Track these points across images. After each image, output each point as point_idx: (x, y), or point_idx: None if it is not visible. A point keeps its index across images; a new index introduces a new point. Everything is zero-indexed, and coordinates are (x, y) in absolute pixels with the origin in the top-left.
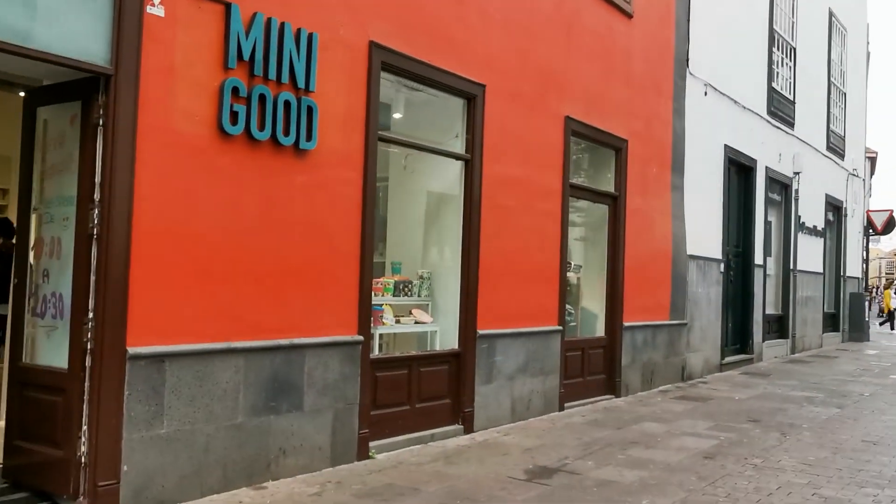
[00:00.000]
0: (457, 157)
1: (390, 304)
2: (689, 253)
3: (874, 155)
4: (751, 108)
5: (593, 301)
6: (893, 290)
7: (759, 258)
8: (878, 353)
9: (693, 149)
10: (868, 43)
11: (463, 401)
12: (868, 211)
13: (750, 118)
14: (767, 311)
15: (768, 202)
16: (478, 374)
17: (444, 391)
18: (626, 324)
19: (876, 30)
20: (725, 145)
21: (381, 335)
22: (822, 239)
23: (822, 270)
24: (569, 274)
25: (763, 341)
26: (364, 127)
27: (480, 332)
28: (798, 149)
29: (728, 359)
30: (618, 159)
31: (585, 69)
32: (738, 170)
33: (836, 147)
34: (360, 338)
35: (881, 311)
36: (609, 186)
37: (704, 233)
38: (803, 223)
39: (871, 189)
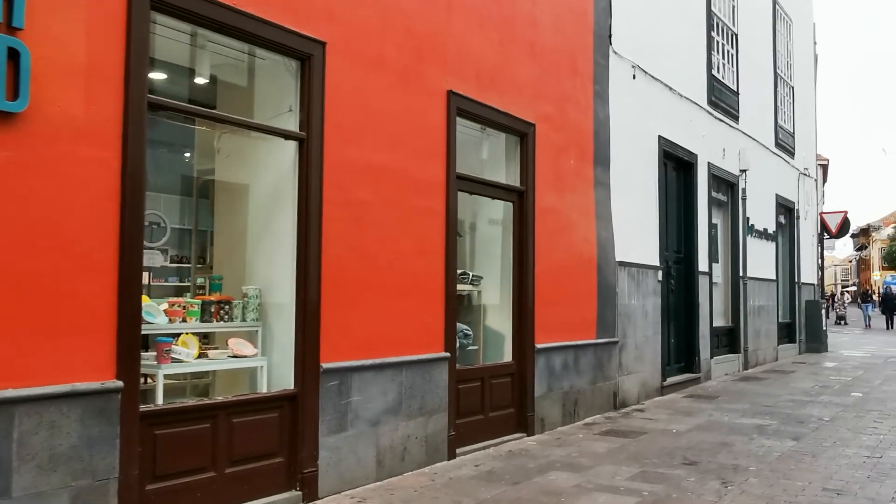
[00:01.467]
0: (287, 135)
1: (194, 333)
2: (618, 259)
3: (826, 162)
4: (689, 97)
5: (500, 319)
6: None
7: (703, 265)
8: (837, 365)
9: (621, 139)
10: (815, 43)
11: (301, 459)
12: (822, 213)
13: (688, 108)
14: (715, 324)
15: (713, 202)
16: (323, 420)
17: (271, 447)
18: (539, 345)
19: (823, 42)
20: (660, 137)
21: (166, 376)
22: (774, 243)
23: (774, 277)
24: (464, 287)
25: (711, 357)
26: (123, 87)
27: (327, 365)
28: (744, 144)
29: (670, 380)
30: (523, 147)
31: (476, 36)
32: (677, 165)
33: (785, 144)
34: (119, 383)
35: (839, 318)
36: (513, 179)
37: (638, 236)
38: (752, 226)
39: (824, 196)
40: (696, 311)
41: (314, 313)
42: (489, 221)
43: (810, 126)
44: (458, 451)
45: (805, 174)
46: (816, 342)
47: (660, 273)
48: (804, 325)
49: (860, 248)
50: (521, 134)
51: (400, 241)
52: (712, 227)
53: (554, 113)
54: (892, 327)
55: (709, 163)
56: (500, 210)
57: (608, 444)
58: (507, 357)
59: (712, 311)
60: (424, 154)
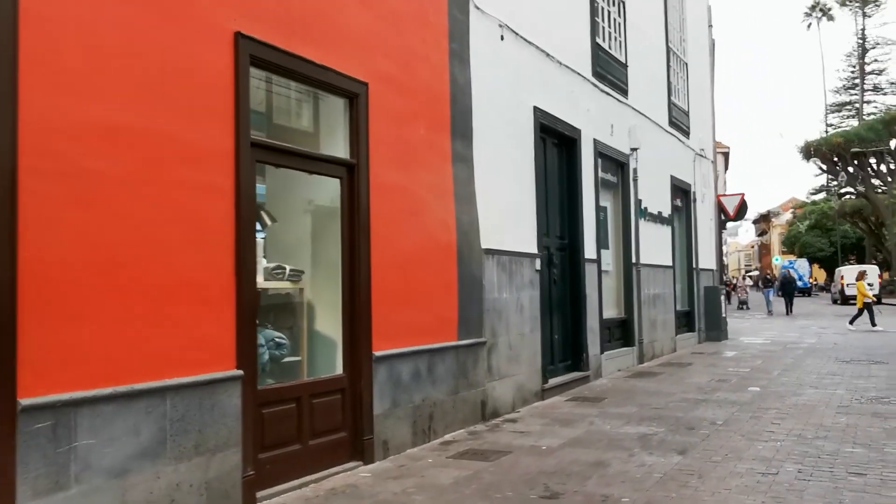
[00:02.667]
0: None
1: None
2: (485, 247)
3: (727, 150)
4: (570, 66)
5: (331, 322)
6: (867, 282)
7: (591, 251)
8: (736, 354)
9: (487, 109)
10: (711, 26)
11: None
12: (719, 196)
13: (570, 78)
14: (606, 315)
15: (601, 183)
16: (24, 479)
17: None
18: (379, 353)
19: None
20: (536, 109)
21: None
22: (670, 227)
23: (671, 263)
24: (279, 284)
25: (602, 352)
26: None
27: (30, 401)
28: (635, 121)
29: (553, 381)
30: (353, 112)
31: None
32: (559, 142)
33: (679, 123)
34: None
35: (741, 303)
36: (340, 150)
37: (511, 221)
38: (646, 209)
39: (726, 184)
40: (583, 302)
41: (5, 330)
42: (314, 203)
43: (706, 106)
44: (259, 494)
45: (701, 155)
46: (716, 330)
47: (538, 262)
48: (703, 313)
49: (761, 233)
50: (350, 95)
51: (161, 228)
52: (600, 210)
53: (396, 72)
54: (791, 312)
55: (595, 140)
56: (330, 189)
57: (459, 471)
58: (339, 369)
59: (602, 301)
60: (199, 113)
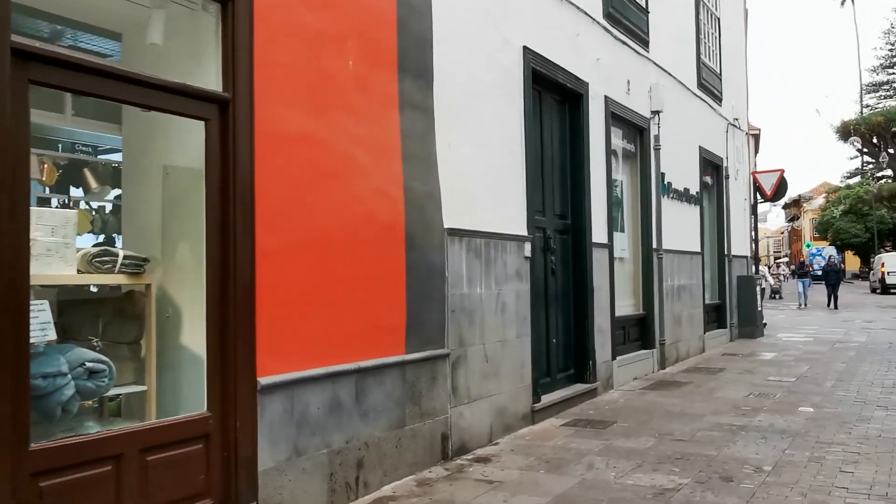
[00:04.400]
0: None
1: None
2: (450, 226)
3: (757, 132)
4: (574, 1)
5: (194, 336)
6: None
7: (601, 234)
8: (776, 356)
9: (457, 43)
10: None
11: None
12: (754, 172)
13: (574, 17)
14: (620, 312)
15: (615, 152)
16: None
17: None
18: (268, 379)
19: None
20: (527, 50)
21: None
22: (698, 207)
23: (699, 249)
24: (106, 277)
25: (614, 358)
26: None
27: None
28: (657, 79)
29: (549, 397)
30: (227, 20)
31: None
32: (559, 97)
33: (710, 86)
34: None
35: (773, 293)
36: (205, 78)
37: (488, 193)
38: (669, 184)
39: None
40: (590, 297)
41: None
42: (174, 159)
43: (740, 70)
44: None
45: (735, 125)
46: (751, 326)
47: (528, 246)
48: (736, 307)
49: (792, 219)
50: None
51: None
52: (614, 184)
53: None
54: (835, 305)
55: (606, 97)
56: (198, 140)
57: None
58: (202, 405)
59: (614, 295)
60: None
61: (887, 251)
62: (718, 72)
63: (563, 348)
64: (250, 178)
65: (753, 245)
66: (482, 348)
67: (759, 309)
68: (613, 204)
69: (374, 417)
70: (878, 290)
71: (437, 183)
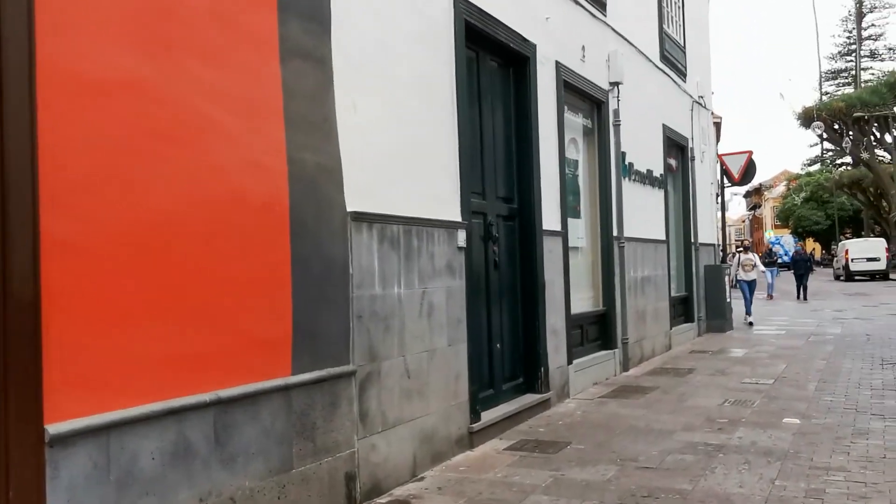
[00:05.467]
0: None
1: None
2: (355, 209)
3: (719, 120)
4: None
5: None
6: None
7: (552, 220)
8: (749, 353)
9: None
10: None
11: None
12: (720, 155)
13: None
14: (577, 309)
15: (567, 125)
16: None
17: None
18: (59, 426)
19: None
20: None
21: None
22: (663, 191)
23: (664, 237)
24: None
25: (570, 362)
26: None
27: None
28: (616, 46)
29: (492, 414)
30: None
31: None
32: (502, 60)
33: (673, 59)
34: None
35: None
36: None
37: (408, 169)
38: (631, 165)
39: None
40: (541, 293)
41: None
42: None
43: (704, 47)
44: None
45: (700, 104)
46: (720, 319)
47: (462, 235)
48: (703, 298)
49: (753, 207)
50: None
51: None
52: (568, 164)
53: None
54: (805, 297)
55: (558, 63)
56: None
57: None
58: None
59: (570, 291)
60: None
61: (847, 238)
62: (682, 45)
63: (510, 354)
64: (29, 138)
65: (724, 232)
66: (402, 361)
67: (728, 300)
68: (568, 186)
69: (244, 463)
70: (842, 278)
71: (336, 154)
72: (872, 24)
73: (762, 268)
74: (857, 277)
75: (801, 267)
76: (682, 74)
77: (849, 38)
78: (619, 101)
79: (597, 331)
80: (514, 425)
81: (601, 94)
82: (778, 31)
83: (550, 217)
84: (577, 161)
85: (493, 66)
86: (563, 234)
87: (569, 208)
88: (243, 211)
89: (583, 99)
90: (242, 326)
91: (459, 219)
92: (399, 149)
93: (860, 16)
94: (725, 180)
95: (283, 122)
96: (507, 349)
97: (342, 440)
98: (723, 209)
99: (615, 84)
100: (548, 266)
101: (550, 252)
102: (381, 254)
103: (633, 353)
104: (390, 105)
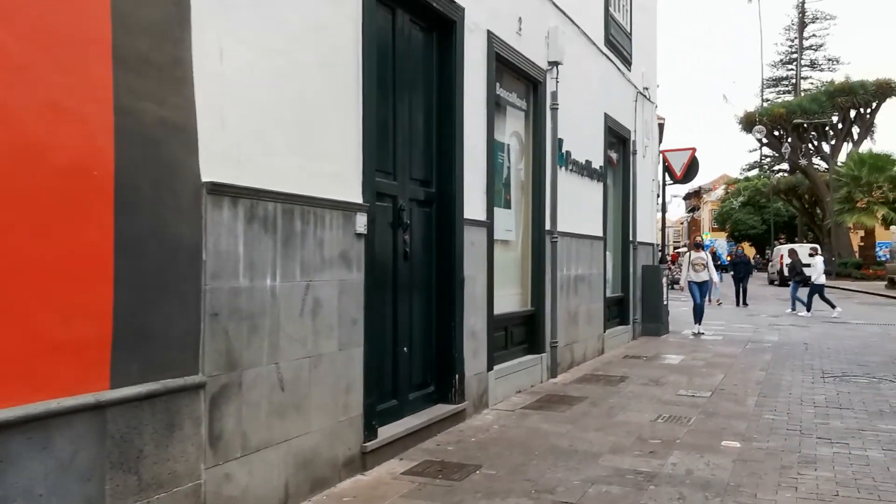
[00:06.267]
0: None
1: None
2: (213, 179)
3: (662, 121)
4: None
5: None
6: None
7: (476, 209)
8: (685, 359)
9: None
10: None
11: None
12: (663, 151)
13: None
14: (501, 310)
15: (499, 104)
16: None
17: None
18: None
19: None
20: None
21: None
22: (602, 184)
23: (601, 234)
24: None
25: (491, 368)
26: None
27: None
28: (557, 23)
29: (392, 429)
30: None
31: None
32: (423, 21)
33: (619, 45)
34: None
35: (673, 282)
36: None
37: (293, 133)
38: (568, 153)
39: (660, 156)
40: (458, 289)
41: None
42: None
43: (651, 37)
44: None
45: (645, 95)
46: (656, 322)
47: (360, 218)
48: (640, 300)
49: (692, 209)
50: None
51: None
52: (497, 147)
53: None
54: (746, 303)
55: (490, 33)
56: None
57: None
58: None
59: (493, 288)
60: None
61: (782, 243)
62: (629, 31)
63: (420, 359)
64: None
65: (665, 232)
66: (274, 370)
67: (665, 303)
68: (497, 172)
69: None
70: (776, 282)
71: (191, 109)
72: (814, 35)
73: (714, 271)
74: (790, 283)
75: (741, 270)
76: (628, 62)
77: (790, 46)
78: (557, 82)
79: (523, 333)
80: (419, 441)
81: (538, 73)
82: (721, 36)
83: (474, 205)
84: (508, 145)
85: (414, 28)
86: (489, 224)
87: (497, 196)
88: (39, 172)
89: (518, 77)
90: (36, 326)
91: (360, 200)
92: (282, 112)
93: (802, 25)
94: (667, 177)
95: (110, 60)
96: (417, 353)
97: (182, 471)
98: (663, 208)
99: (554, 64)
100: (469, 260)
101: (473, 244)
102: (248, 237)
103: (563, 358)
104: (272, 56)
